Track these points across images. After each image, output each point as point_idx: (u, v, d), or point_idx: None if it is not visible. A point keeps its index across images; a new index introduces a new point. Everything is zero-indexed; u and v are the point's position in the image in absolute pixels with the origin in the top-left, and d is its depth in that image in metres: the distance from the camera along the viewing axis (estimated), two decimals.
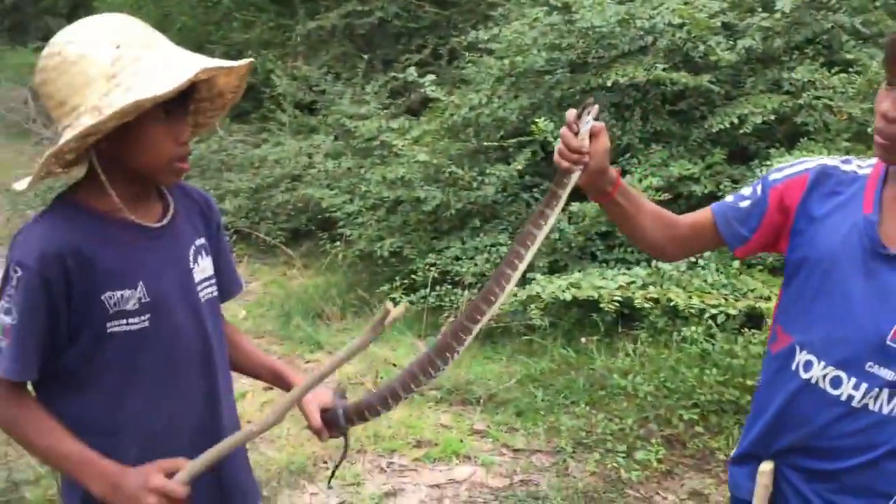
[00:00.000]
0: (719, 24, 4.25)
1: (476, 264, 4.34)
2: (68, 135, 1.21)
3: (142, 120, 1.24)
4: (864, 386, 1.29)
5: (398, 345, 4.29)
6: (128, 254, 1.32)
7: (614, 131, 4.36)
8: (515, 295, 3.64)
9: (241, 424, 1.52)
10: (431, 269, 4.45)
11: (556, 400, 3.58)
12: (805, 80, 4.07)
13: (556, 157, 1.41)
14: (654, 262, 3.65)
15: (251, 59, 1.40)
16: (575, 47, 4.58)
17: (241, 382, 3.31)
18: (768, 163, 3.74)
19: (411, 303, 4.35)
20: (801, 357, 1.36)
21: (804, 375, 1.35)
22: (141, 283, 1.32)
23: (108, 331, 1.29)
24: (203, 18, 8.82)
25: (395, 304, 1.25)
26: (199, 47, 7.13)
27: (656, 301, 3.48)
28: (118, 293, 1.29)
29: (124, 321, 1.30)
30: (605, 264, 4.12)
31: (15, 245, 1.28)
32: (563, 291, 3.55)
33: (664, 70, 4.16)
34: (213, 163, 6.70)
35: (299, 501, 2.98)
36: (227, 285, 1.55)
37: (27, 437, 1.31)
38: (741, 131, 4.03)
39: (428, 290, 4.38)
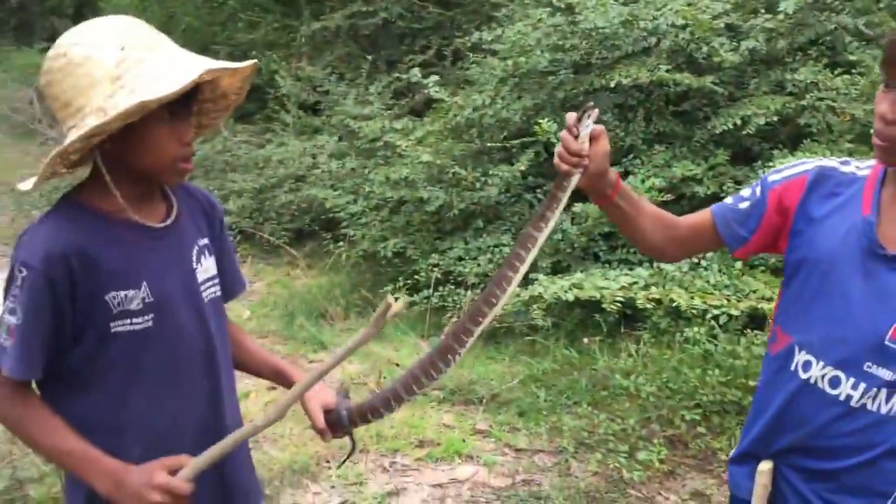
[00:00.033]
0: (723, 25, 4.26)
1: (479, 265, 4.35)
2: (73, 135, 1.22)
3: (146, 121, 1.25)
4: (862, 386, 1.29)
5: (401, 345, 4.30)
6: (132, 254, 1.33)
7: (617, 132, 4.37)
8: (518, 295, 3.64)
9: (245, 424, 1.52)
10: (434, 269, 4.45)
11: (559, 400, 3.58)
12: (808, 81, 4.07)
13: (556, 160, 1.42)
14: (656, 263, 3.65)
15: (255, 61, 1.40)
16: (578, 48, 4.59)
17: (244, 382, 3.33)
18: (771, 164, 3.74)
19: (414, 303, 4.36)
20: (801, 357, 1.36)
21: (803, 375, 1.36)
22: (144, 283, 1.32)
23: (112, 331, 1.30)
24: (208, 19, 8.85)
25: (396, 299, 1.26)
26: (203, 48, 7.16)
27: (659, 302, 3.48)
28: (122, 293, 1.30)
29: (128, 321, 1.31)
30: (607, 265, 4.12)
31: (20, 245, 1.29)
32: (566, 292, 3.55)
33: (667, 71, 4.16)
34: (217, 163, 6.72)
35: (302, 501, 2.99)
36: (231, 285, 1.55)
37: (31, 436, 1.32)
38: (744, 132, 4.03)
39: (431, 290, 4.39)
